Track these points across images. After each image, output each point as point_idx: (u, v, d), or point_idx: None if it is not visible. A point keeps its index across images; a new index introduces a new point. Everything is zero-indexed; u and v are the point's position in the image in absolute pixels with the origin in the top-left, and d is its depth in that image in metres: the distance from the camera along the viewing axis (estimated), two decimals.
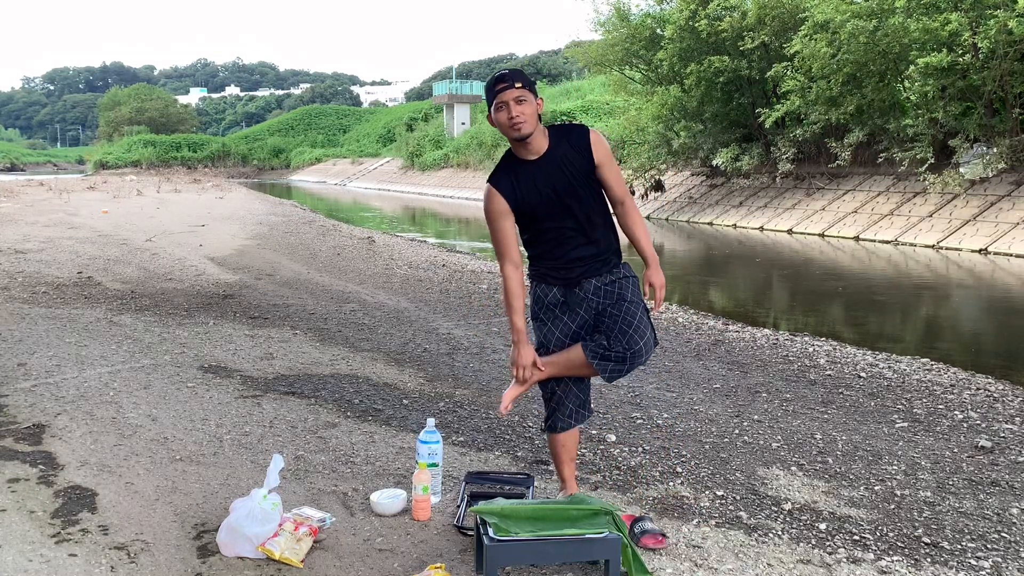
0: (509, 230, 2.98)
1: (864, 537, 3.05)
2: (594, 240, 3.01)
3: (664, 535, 2.94)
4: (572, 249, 3.00)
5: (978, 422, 4.59)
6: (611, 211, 3.08)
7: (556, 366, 3.04)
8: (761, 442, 4.12)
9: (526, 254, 3.15)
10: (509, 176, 2.96)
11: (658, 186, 23.64)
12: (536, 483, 3.42)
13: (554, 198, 2.93)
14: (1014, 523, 3.21)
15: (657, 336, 3.09)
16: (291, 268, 10.58)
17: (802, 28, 18.15)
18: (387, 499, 3.15)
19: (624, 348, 2.95)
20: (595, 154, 2.96)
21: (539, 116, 2.92)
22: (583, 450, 3.87)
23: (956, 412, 4.79)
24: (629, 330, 2.96)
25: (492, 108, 2.90)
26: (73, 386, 4.71)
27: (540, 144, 2.93)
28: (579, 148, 2.95)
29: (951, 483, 3.63)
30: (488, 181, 2.98)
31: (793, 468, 3.77)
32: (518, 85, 2.85)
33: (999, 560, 2.90)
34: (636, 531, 2.92)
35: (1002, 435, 4.34)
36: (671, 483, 3.53)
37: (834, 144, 18.87)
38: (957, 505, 3.38)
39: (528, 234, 3.06)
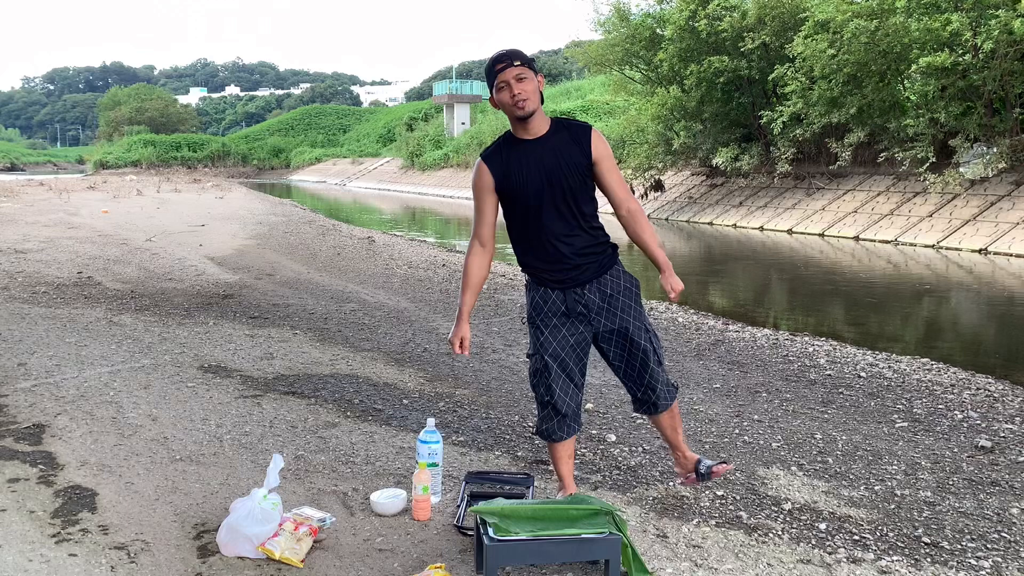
0: (489, 207, 2.99)
1: (864, 537, 3.05)
2: (580, 234, 2.97)
3: (726, 461, 3.45)
4: (558, 241, 2.95)
5: (978, 422, 4.59)
6: (595, 212, 3.03)
7: None
8: (761, 442, 4.12)
9: (516, 256, 3.11)
10: (501, 153, 2.96)
11: (658, 186, 23.65)
12: (536, 483, 3.42)
13: (542, 181, 2.90)
14: (1014, 523, 3.21)
15: (663, 363, 3.17)
16: (291, 268, 10.58)
17: (803, 28, 18.16)
18: (387, 499, 3.15)
19: (646, 394, 3.13)
20: (593, 149, 2.93)
21: (541, 94, 2.91)
22: (583, 450, 3.87)
23: (956, 412, 4.79)
24: (646, 375, 3.09)
25: (494, 90, 2.88)
26: (73, 386, 4.71)
27: (540, 126, 2.92)
28: (578, 140, 2.93)
29: (951, 483, 3.63)
30: (480, 155, 2.99)
31: (793, 468, 3.76)
32: (517, 63, 2.84)
33: (999, 560, 2.90)
34: (702, 470, 3.27)
35: (1002, 435, 4.34)
36: (671, 483, 3.53)
37: (834, 144, 18.87)
38: (957, 505, 3.38)
39: (515, 224, 3.01)
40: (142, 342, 5.93)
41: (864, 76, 17.62)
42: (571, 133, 2.94)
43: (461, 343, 3.01)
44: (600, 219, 3.07)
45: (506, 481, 3.40)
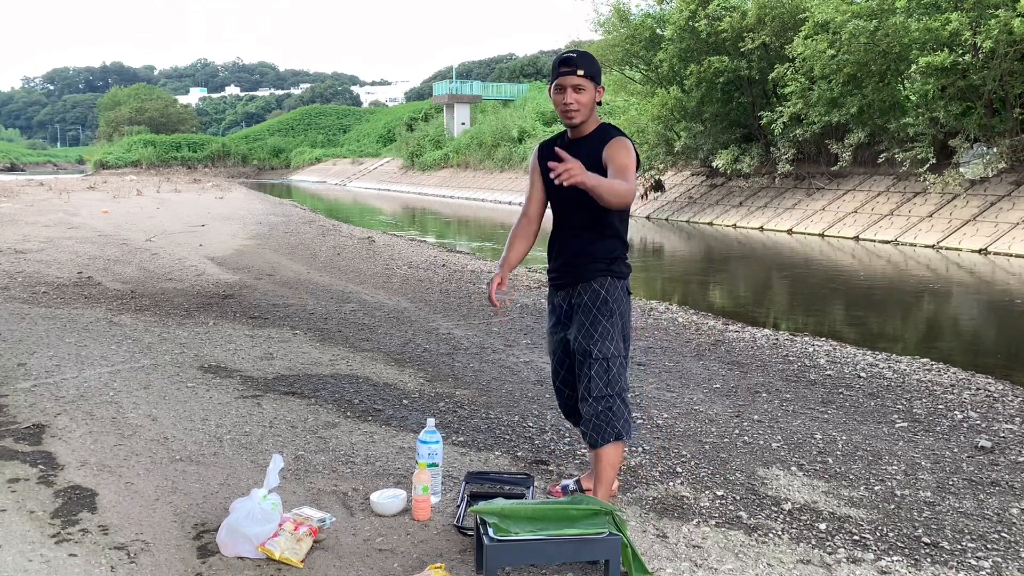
0: (536, 188, 3.15)
1: (864, 537, 3.05)
2: (578, 239, 3.03)
3: None
4: (560, 239, 3.10)
5: (978, 422, 4.59)
6: (617, 222, 3.02)
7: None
8: (761, 442, 4.12)
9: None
10: (549, 144, 3.10)
11: (658, 186, 23.66)
12: (536, 483, 3.42)
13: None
14: (1014, 523, 3.21)
15: (623, 400, 3.01)
16: (291, 268, 10.58)
17: (803, 28, 18.17)
18: (387, 499, 3.15)
19: (586, 415, 3.00)
20: (605, 150, 2.92)
21: (599, 103, 2.99)
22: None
23: (956, 412, 4.79)
24: (574, 398, 3.08)
25: (553, 85, 2.95)
26: (73, 386, 4.71)
27: (585, 129, 3.00)
28: (601, 143, 2.95)
29: (951, 483, 3.63)
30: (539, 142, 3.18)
31: (793, 468, 3.76)
32: (580, 73, 2.89)
33: (999, 560, 2.90)
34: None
35: (1002, 435, 4.34)
36: (671, 483, 3.53)
37: (834, 144, 18.88)
38: (957, 505, 3.38)
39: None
40: (142, 342, 5.92)
41: (864, 76, 17.63)
42: (602, 139, 2.96)
43: (500, 286, 3.09)
44: (622, 238, 3.06)
45: (506, 481, 3.40)
